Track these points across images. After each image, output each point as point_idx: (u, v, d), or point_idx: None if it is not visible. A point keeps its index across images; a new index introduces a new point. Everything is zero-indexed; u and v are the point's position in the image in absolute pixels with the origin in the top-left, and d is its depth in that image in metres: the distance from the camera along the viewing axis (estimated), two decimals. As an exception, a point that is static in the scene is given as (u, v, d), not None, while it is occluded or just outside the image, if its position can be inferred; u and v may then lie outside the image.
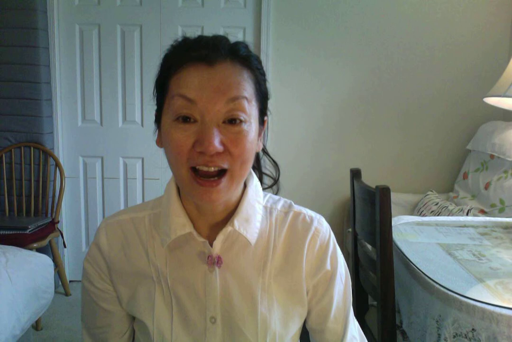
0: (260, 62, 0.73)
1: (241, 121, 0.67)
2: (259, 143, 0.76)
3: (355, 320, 0.87)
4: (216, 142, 0.65)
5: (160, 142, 0.74)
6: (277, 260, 0.78)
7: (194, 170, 0.68)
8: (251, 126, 0.69)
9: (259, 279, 0.77)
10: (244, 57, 0.70)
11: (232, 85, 0.67)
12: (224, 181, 0.68)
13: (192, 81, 0.66)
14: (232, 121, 0.67)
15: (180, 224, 0.75)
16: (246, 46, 0.72)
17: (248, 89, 0.69)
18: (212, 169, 0.67)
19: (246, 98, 0.68)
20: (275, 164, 0.87)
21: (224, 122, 0.67)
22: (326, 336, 0.83)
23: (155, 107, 0.75)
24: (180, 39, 0.72)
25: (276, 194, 0.86)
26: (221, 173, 0.68)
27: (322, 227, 0.81)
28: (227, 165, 0.68)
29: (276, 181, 0.87)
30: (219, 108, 0.66)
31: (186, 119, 0.67)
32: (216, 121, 0.66)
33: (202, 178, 0.68)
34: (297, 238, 0.79)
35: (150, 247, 0.78)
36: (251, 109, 0.69)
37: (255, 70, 0.71)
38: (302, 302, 0.80)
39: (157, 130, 0.75)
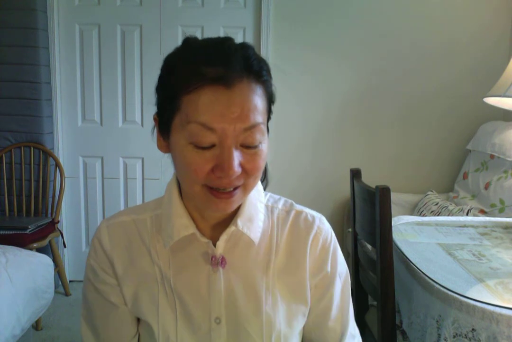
0: (268, 70, 0.71)
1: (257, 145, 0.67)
2: None
3: (353, 319, 0.88)
4: (236, 167, 0.65)
5: (163, 147, 0.73)
6: (280, 258, 0.79)
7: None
8: (265, 143, 0.69)
9: (263, 279, 0.77)
10: (257, 72, 0.67)
11: (250, 111, 0.65)
12: (238, 192, 0.69)
13: (211, 106, 0.64)
14: (250, 144, 0.67)
15: (182, 225, 0.75)
16: (256, 55, 0.69)
17: (262, 108, 0.68)
18: (228, 190, 0.68)
19: (262, 123, 0.67)
20: None
21: (241, 145, 0.66)
22: (326, 335, 0.84)
23: (155, 108, 0.73)
24: (186, 45, 0.68)
25: (264, 189, 0.86)
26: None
27: (324, 226, 0.82)
28: (242, 182, 0.68)
29: (265, 176, 0.87)
30: (238, 133, 0.65)
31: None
32: (234, 144, 0.65)
33: (216, 190, 0.68)
34: (300, 237, 0.80)
35: (153, 248, 0.78)
36: (265, 127, 0.69)
37: (266, 82, 0.69)
38: (305, 301, 0.80)
39: (158, 135, 0.73)
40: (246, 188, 0.70)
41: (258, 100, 0.67)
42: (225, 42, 0.67)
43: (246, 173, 0.68)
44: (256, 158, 0.68)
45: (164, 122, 0.70)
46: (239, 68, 0.65)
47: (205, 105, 0.64)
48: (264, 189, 0.86)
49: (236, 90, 0.64)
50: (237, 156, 0.65)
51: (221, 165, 0.65)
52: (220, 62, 0.65)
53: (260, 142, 0.68)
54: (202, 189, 0.68)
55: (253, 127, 0.66)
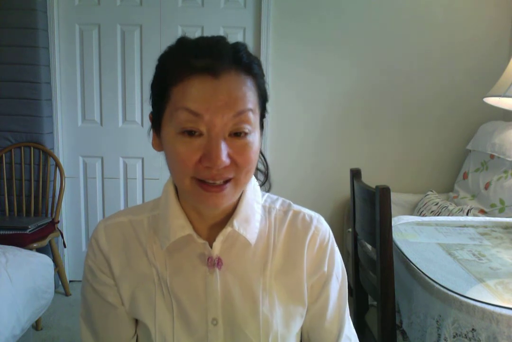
0: (260, 65, 0.72)
1: (246, 133, 0.67)
2: None
3: (350, 319, 0.87)
4: (224, 157, 0.65)
5: (157, 145, 0.74)
6: (277, 259, 0.78)
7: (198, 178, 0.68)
8: (256, 136, 0.69)
9: (260, 279, 0.77)
10: (247, 65, 0.68)
11: (239, 98, 0.65)
12: (229, 186, 0.68)
13: (198, 94, 0.64)
14: (238, 134, 0.66)
15: (179, 226, 0.75)
16: (246, 50, 0.70)
17: (252, 99, 0.68)
18: (218, 182, 0.67)
19: (251, 110, 0.67)
20: (265, 161, 0.86)
21: (229, 135, 0.66)
22: (322, 336, 0.83)
23: (151, 108, 0.73)
24: (178, 43, 0.70)
25: (268, 191, 0.86)
26: (226, 180, 0.68)
27: (322, 226, 0.81)
28: (233, 175, 0.68)
29: (267, 179, 0.87)
30: (226, 121, 0.65)
31: (191, 132, 0.66)
32: (222, 134, 0.65)
33: (206, 183, 0.67)
34: (297, 237, 0.79)
35: (150, 249, 0.78)
36: (256, 119, 0.69)
37: (257, 76, 0.70)
38: (303, 301, 0.80)
39: (153, 133, 0.74)
40: (237, 183, 0.69)
41: (247, 91, 0.67)
42: (216, 38, 0.69)
43: (237, 165, 0.67)
44: (247, 149, 0.67)
45: (157, 118, 0.71)
46: (227, 60, 0.66)
47: (192, 93, 0.65)
48: (267, 191, 0.86)
49: (223, 79, 0.65)
50: (224, 147, 0.65)
51: (209, 155, 0.64)
52: (209, 54, 0.66)
53: (250, 132, 0.67)
54: (192, 182, 0.68)
55: (241, 113, 0.66)
